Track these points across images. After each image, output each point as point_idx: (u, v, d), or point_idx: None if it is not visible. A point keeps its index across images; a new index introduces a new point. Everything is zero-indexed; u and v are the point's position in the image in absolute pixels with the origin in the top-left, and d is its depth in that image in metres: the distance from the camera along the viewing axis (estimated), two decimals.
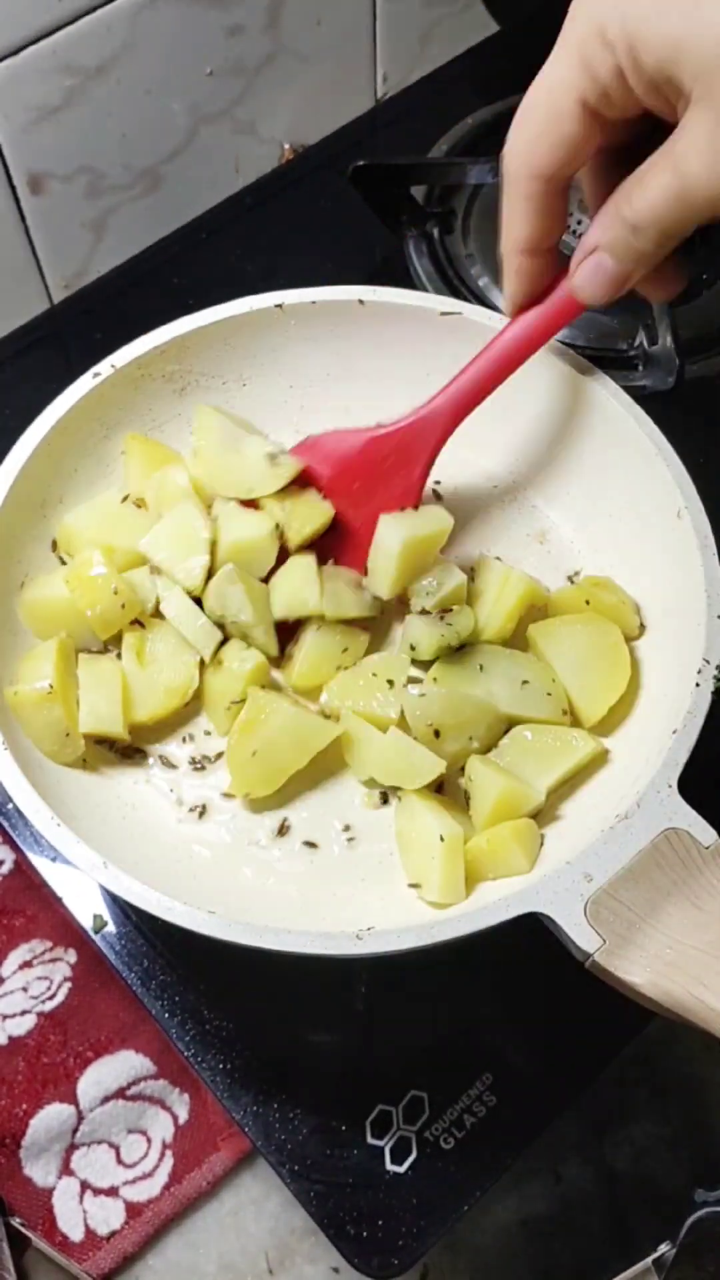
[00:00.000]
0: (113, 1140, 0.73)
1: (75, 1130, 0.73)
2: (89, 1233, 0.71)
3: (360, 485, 0.71)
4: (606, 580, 0.71)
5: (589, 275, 0.60)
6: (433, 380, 0.78)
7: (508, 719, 0.67)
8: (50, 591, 0.69)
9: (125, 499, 0.74)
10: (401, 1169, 0.63)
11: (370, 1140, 0.64)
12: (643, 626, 0.70)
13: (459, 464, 0.78)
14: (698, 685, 0.62)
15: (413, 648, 0.68)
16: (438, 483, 0.77)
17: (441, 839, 0.62)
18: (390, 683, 0.68)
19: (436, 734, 0.65)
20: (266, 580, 0.70)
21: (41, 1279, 0.63)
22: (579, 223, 0.86)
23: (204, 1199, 0.73)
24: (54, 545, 0.73)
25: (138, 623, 0.70)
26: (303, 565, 0.70)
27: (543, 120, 0.58)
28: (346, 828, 0.67)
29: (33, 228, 0.89)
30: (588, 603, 0.70)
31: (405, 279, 0.89)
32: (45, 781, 0.63)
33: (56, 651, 0.67)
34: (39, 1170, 0.72)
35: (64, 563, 0.72)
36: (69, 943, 0.78)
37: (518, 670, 0.68)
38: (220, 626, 0.69)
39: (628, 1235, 0.73)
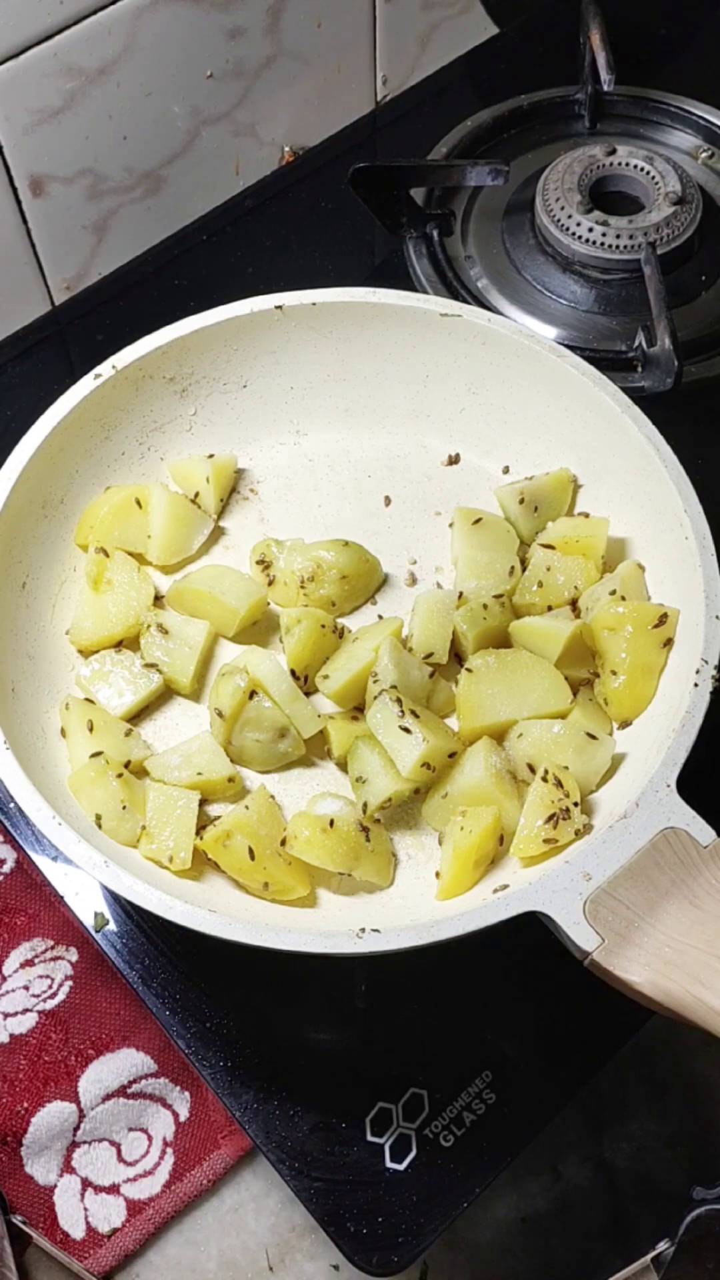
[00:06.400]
0: (114, 1138, 0.74)
1: (76, 1128, 0.73)
2: (90, 1230, 0.72)
3: None
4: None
5: None
6: (432, 382, 0.78)
7: None
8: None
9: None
10: (401, 1166, 0.63)
11: (370, 1138, 0.64)
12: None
13: (458, 466, 0.79)
14: (696, 685, 0.62)
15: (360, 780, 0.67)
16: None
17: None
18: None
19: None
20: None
21: (42, 1277, 0.63)
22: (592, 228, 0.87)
23: (205, 1196, 0.73)
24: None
25: (103, 551, 0.73)
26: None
27: None
28: None
29: (34, 230, 0.89)
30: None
31: (405, 281, 0.89)
32: (46, 781, 0.64)
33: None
34: (40, 1168, 0.73)
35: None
36: (70, 941, 0.78)
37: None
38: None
39: (626, 1232, 0.74)
